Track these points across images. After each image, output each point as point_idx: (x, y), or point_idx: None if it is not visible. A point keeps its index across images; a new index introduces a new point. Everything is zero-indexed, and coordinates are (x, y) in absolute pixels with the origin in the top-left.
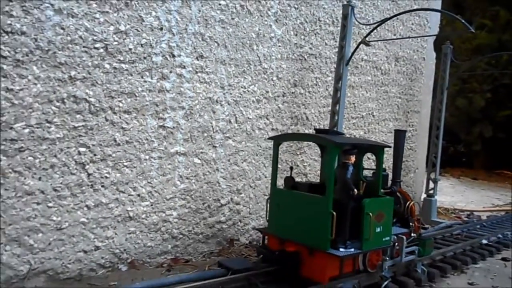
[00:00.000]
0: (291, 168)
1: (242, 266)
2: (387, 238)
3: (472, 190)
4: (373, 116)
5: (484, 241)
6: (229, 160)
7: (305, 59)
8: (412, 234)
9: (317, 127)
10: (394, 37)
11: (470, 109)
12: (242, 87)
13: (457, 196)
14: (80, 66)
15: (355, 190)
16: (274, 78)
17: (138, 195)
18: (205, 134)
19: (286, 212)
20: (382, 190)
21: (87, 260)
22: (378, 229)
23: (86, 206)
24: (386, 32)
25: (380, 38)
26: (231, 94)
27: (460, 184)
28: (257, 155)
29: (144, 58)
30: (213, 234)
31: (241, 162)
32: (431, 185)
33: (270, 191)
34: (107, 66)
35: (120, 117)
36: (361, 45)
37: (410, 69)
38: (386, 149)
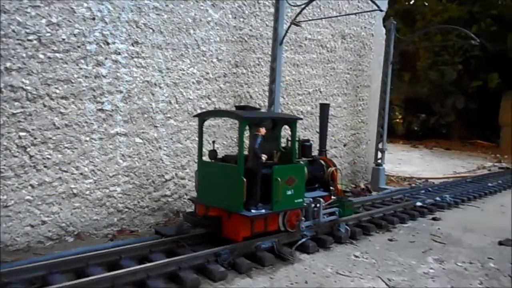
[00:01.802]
0: (214, 142)
1: (174, 232)
2: (300, 200)
3: (441, 159)
4: (320, 92)
5: (419, 203)
6: (171, 139)
7: (245, 41)
8: (333, 197)
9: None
10: (338, 14)
11: (443, 82)
12: (181, 70)
13: (423, 166)
14: (15, 57)
15: (263, 157)
16: (214, 60)
17: (81, 173)
18: (145, 115)
19: (209, 182)
20: (304, 159)
21: (34, 234)
22: (289, 192)
23: (30, 185)
24: (331, 11)
25: (323, 17)
26: (169, 77)
27: (431, 154)
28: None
29: (78, 47)
30: (159, 207)
31: (184, 140)
32: (379, 155)
33: (197, 164)
34: (41, 56)
35: (57, 103)
36: (302, 25)
37: (358, 45)
38: (299, 121)
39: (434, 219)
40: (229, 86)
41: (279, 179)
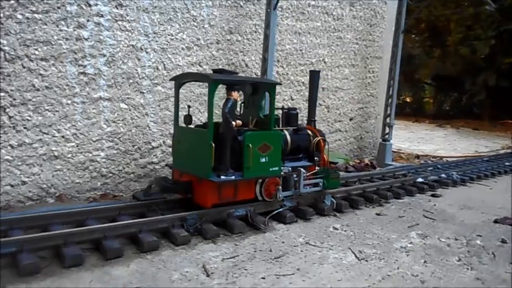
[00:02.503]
0: (189, 107)
1: (150, 197)
2: (275, 168)
3: (465, 139)
4: (325, 62)
5: (420, 179)
6: (159, 106)
7: (241, 6)
8: (317, 168)
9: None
10: None
11: (474, 58)
12: (169, 35)
13: (443, 145)
14: None
15: (233, 122)
16: (206, 26)
17: (63, 136)
18: (131, 81)
19: (183, 147)
20: (290, 128)
21: (14, 193)
22: (262, 160)
23: (10, 145)
24: None
25: None
26: (156, 41)
27: (456, 134)
28: (190, 101)
29: (58, 8)
30: (145, 174)
31: (173, 108)
32: (387, 129)
33: (173, 130)
34: (19, 16)
35: (37, 64)
36: None
37: (368, 13)
38: (278, 87)
39: (433, 195)
40: (222, 53)
41: (250, 145)
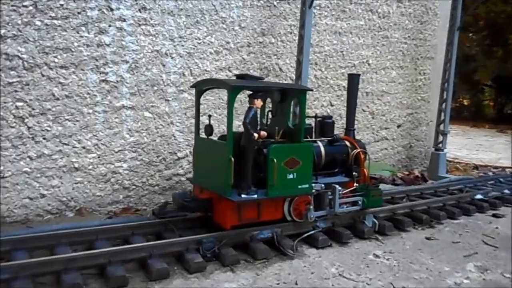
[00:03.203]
0: (210, 116)
1: (165, 215)
2: (305, 186)
3: None
4: (369, 64)
5: (479, 196)
6: (185, 114)
7: (274, 6)
8: (355, 184)
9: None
10: None
11: None
12: (196, 39)
13: (506, 153)
14: (10, 24)
15: (255, 134)
16: (236, 28)
17: (83, 147)
18: (155, 88)
19: (203, 161)
20: (324, 139)
21: (33, 206)
22: (290, 176)
23: (28, 156)
24: None
25: None
26: (182, 46)
27: None
28: (219, 108)
29: (78, 13)
30: (170, 186)
31: (200, 116)
32: (440, 138)
33: (194, 141)
34: (38, 23)
35: (57, 72)
36: None
37: (419, 10)
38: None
39: (495, 216)
40: (254, 57)
41: (275, 160)
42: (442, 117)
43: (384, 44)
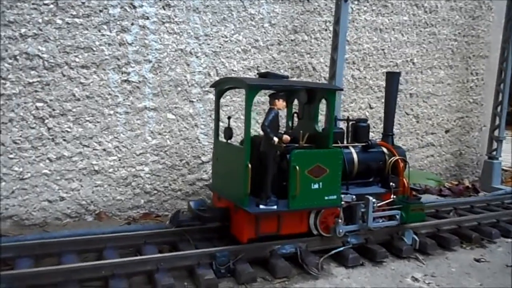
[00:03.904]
0: (229, 118)
1: (183, 223)
2: (332, 197)
3: None
4: (413, 63)
5: None
6: (210, 116)
7: (307, 1)
8: (393, 196)
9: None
10: None
11: None
12: (222, 37)
13: None
14: (30, 23)
15: (275, 138)
16: (266, 25)
17: (104, 149)
18: (179, 89)
19: (222, 166)
20: (358, 144)
21: (52, 209)
22: (315, 186)
23: (48, 158)
24: None
25: None
26: (208, 44)
27: None
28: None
29: (100, 11)
30: (194, 192)
31: (226, 118)
32: (495, 144)
33: (214, 144)
34: (59, 21)
35: (77, 72)
36: None
37: (471, 4)
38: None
39: None
40: (285, 55)
41: (297, 167)
42: (497, 122)
43: (431, 41)
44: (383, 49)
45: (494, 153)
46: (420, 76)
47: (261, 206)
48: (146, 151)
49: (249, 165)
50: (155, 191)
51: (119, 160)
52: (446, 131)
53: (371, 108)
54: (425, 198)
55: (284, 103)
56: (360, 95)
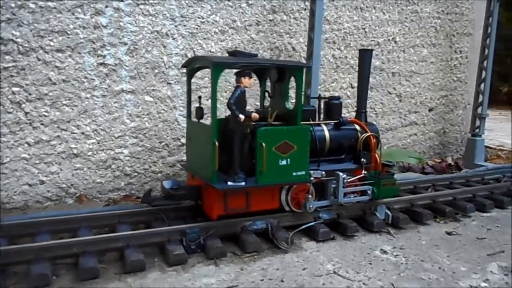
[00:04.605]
0: (200, 97)
1: (155, 203)
2: (301, 173)
3: None
4: (395, 42)
5: None
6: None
7: None
8: (364, 172)
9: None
10: None
11: None
12: (199, 18)
13: None
14: (3, 7)
15: (241, 116)
16: (243, 5)
17: (82, 133)
18: (156, 71)
19: (193, 145)
20: (330, 122)
21: (32, 193)
22: (283, 162)
23: (27, 143)
24: None
25: None
26: (185, 26)
27: None
28: (225, 91)
29: None
30: (175, 173)
31: (205, 100)
32: (477, 122)
33: (186, 124)
34: (32, 5)
35: (53, 56)
36: None
37: None
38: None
39: None
40: (263, 36)
41: (264, 144)
42: (480, 99)
43: (413, 19)
44: (364, 28)
45: (477, 130)
46: (402, 55)
47: (229, 183)
48: (125, 133)
49: (216, 143)
50: (135, 173)
51: (98, 143)
52: (430, 110)
53: (352, 87)
54: (407, 176)
55: (250, 81)
56: (341, 75)
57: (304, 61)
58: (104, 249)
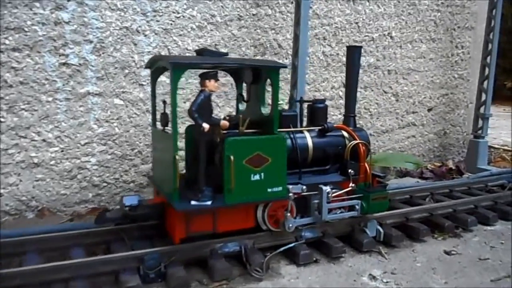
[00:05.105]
0: (164, 102)
1: (109, 224)
2: (277, 189)
3: None
4: (391, 37)
5: None
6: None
7: None
8: (351, 185)
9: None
10: None
11: None
12: (173, 12)
13: None
14: None
15: (204, 125)
16: None
17: (44, 140)
18: (126, 71)
19: (157, 156)
20: (313, 128)
21: None
22: (255, 177)
23: None
24: None
25: None
26: (158, 21)
27: None
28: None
29: None
30: (148, 183)
31: (182, 102)
32: (480, 123)
33: (151, 132)
34: None
35: (8, 56)
36: None
37: None
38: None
39: None
40: (246, 32)
41: (232, 157)
42: (483, 98)
43: (410, 12)
44: (357, 23)
45: (480, 131)
46: (399, 51)
47: (193, 202)
48: (92, 140)
49: (177, 156)
50: (105, 184)
51: (62, 151)
52: (429, 110)
53: (345, 87)
54: (404, 181)
55: (216, 84)
56: (333, 73)
57: (291, 59)
58: (47, 281)
